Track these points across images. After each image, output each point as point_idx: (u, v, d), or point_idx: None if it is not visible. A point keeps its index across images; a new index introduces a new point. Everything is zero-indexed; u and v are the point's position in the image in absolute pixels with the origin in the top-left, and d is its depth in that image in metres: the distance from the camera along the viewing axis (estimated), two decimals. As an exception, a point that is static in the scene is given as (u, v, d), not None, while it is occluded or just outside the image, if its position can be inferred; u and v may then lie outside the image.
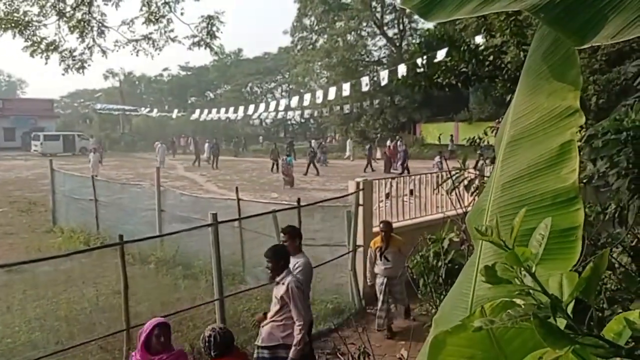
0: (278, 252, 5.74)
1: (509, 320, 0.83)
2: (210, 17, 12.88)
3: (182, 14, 12.59)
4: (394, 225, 10.28)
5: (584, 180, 4.97)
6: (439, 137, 39.58)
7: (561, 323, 0.82)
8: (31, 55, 11.96)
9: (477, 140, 7.85)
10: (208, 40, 12.87)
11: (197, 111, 49.05)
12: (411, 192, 11.36)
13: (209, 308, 7.43)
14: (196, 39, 12.92)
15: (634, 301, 3.86)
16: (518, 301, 0.89)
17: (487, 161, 7.51)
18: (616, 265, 4.33)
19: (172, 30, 12.80)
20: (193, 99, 74.34)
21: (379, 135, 43.42)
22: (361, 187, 9.18)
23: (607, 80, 14.25)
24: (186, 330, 7.23)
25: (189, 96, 74.60)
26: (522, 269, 0.87)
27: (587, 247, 4.11)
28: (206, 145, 41.52)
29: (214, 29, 12.85)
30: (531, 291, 0.85)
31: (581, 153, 6.13)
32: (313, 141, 43.03)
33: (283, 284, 5.46)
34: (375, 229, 9.78)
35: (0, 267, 7.56)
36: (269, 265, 5.62)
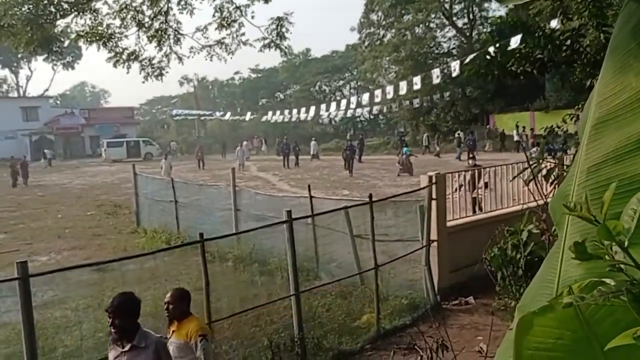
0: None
1: (600, 297, 0.81)
2: (279, 19, 13.11)
3: (252, 17, 12.89)
4: (468, 219, 10.07)
5: None
6: (516, 127, 38.17)
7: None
8: (114, 65, 12.65)
9: (555, 129, 7.54)
10: (278, 42, 13.10)
11: (270, 113, 49.97)
12: (486, 184, 11.07)
13: (285, 303, 7.58)
14: (266, 41, 13.20)
15: None
16: (607, 281, 0.86)
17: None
18: None
19: (243, 34, 13.14)
20: (264, 100, 75.78)
21: (450, 128, 42.56)
22: (434, 180, 9.04)
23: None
24: (264, 325, 7.41)
25: (260, 98, 76.09)
26: (614, 244, 0.84)
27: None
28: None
29: (283, 30, 13.08)
30: (623, 267, 0.82)
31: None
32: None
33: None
34: (450, 223, 9.62)
35: (90, 265, 8.07)
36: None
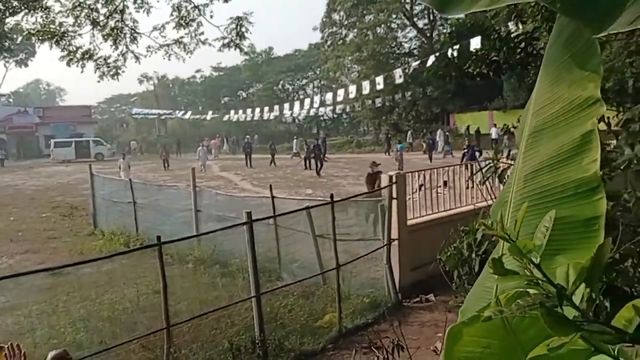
0: None
1: (517, 310, 0.84)
2: (239, 18, 13.03)
3: (211, 16, 12.77)
4: (429, 217, 10.21)
5: (622, 166, 4.85)
6: (478, 127, 38.85)
7: (570, 312, 0.82)
8: (68, 64, 12.33)
9: (511, 129, 7.72)
10: (237, 41, 13.02)
11: (232, 112, 49.57)
12: (445, 183, 11.24)
13: (246, 305, 7.53)
14: (226, 41, 13.10)
15: (678, 290, 3.75)
16: (532, 291, 0.89)
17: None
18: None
19: (202, 33, 13.03)
20: (226, 99, 75.15)
21: (411, 127, 43.11)
22: (394, 180, 9.13)
23: (644, 61, 13.75)
24: (225, 328, 7.34)
25: (222, 96, 75.44)
26: (529, 261, 0.87)
27: (626, 232, 4.01)
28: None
29: (243, 29, 13.00)
30: (539, 282, 0.85)
31: (619, 137, 5.97)
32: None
33: None
34: (411, 222, 9.74)
35: (44, 270, 7.84)
36: None
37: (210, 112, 54.49)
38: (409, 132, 41.82)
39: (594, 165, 1.25)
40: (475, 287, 1.49)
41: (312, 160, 29.84)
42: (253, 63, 71.00)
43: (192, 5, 12.35)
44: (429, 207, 10.59)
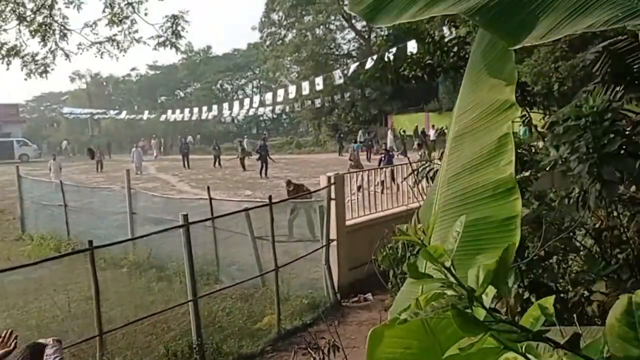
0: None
1: (432, 312, 0.87)
2: (174, 17, 12.78)
3: (145, 14, 12.46)
4: (366, 217, 10.37)
5: (548, 167, 5.09)
6: (424, 128, 39.60)
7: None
8: (-9, 61, 11.71)
9: (446, 130, 7.92)
10: (173, 40, 12.77)
11: (169, 111, 48.52)
12: (382, 183, 11.46)
13: (183, 309, 7.40)
14: (161, 39, 12.81)
15: (595, 282, 3.98)
16: (450, 293, 0.93)
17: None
18: (580, 248, 4.46)
19: (136, 31, 12.68)
20: (163, 98, 73.43)
21: (350, 128, 43.58)
22: (332, 181, 9.22)
23: (571, 66, 14.50)
24: (161, 333, 7.18)
25: (159, 96, 73.66)
26: (440, 265, 0.90)
27: (552, 230, 4.22)
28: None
29: (179, 28, 12.77)
30: (452, 284, 0.89)
31: (545, 139, 6.25)
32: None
33: None
34: (349, 222, 9.86)
35: (-34, 278, 7.40)
36: None
37: (146, 112, 53.13)
38: (360, 132, 41.68)
39: (509, 167, 1.31)
40: (404, 288, 1.54)
41: (258, 162, 28.91)
42: (191, 62, 69.76)
43: (126, 2, 12.00)
44: (367, 207, 10.77)
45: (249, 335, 7.64)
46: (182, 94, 74.33)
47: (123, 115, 56.01)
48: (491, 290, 0.90)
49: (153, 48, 13.04)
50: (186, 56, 68.02)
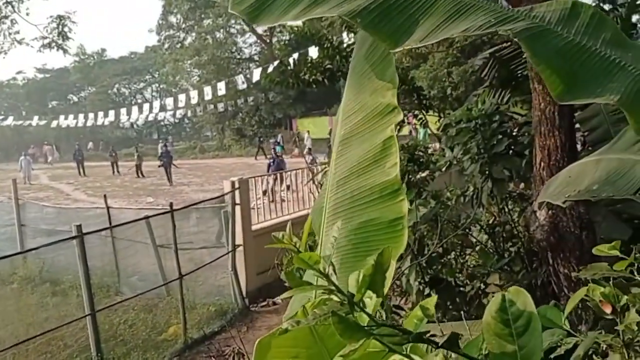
0: None
1: (313, 320, 0.88)
2: (60, 17, 12.07)
3: (27, 14, 11.70)
4: (273, 221, 10.35)
5: (444, 167, 5.35)
6: (330, 131, 39.83)
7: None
8: None
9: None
10: (60, 42, 12.05)
11: (62, 117, 45.69)
12: (288, 187, 11.51)
13: (81, 324, 7.01)
14: (46, 41, 12.06)
15: (490, 275, 4.23)
16: (335, 298, 0.94)
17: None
18: (475, 243, 4.72)
19: (17, 32, 11.85)
20: (54, 103, 69.05)
21: (255, 132, 43.36)
22: (237, 185, 9.13)
23: (463, 71, 15.39)
24: (56, 351, 6.77)
25: (50, 100, 69.18)
26: (317, 271, 0.92)
27: (449, 228, 4.43)
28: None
29: (65, 29, 12.08)
30: (332, 290, 0.90)
31: (440, 140, 6.55)
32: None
33: None
34: (256, 226, 9.79)
35: None
36: None
37: (36, 118, 49.55)
38: (280, 135, 40.75)
39: (394, 169, 1.36)
40: (296, 294, 1.54)
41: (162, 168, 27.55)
42: (84, 65, 66.23)
43: (4, 1, 11.19)
44: (274, 211, 10.77)
45: (154, 347, 7.40)
46: (75, 99, 70.28)
47: (9, 121, 51.95)
48: (374, 296, 0.92)
49: (37, 50, 12.28)
50: (78, 59, 64.54)
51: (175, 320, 8.06)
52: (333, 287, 0.90)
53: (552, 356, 1.08)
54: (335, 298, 0.91)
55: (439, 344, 0.90)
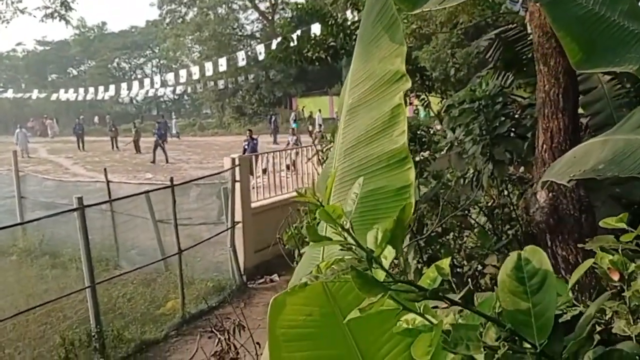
0: None
1: (331, 275, 0.89)
2: (62, -13, 11.95)
3: (31, -18, 11.55)
4: (272, 199, 10.37)
5: (446, 148, 5.35)
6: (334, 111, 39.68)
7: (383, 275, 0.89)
8: None
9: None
10: (63, 12, 11.94)
11: (61, 90, 45.44)
12: (287, 167, 11.51)
13: (80, 297, 7.06)
14: (49, 11, 11.94)
15: (488, 256, 4.26)
16: (349, 256, 0.95)
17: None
18: (474, 225, 4.74)
19: (20, 1, 11.71)
20: (54, 76, 68.61)
21: (255, 110, 43.22)
22: (237, 162, 9.12)
23: (467, 53, 15.25)
24: (56, 322, 6.83)
25: (49, 73, 68.74)
26: (339, 225, 0.93)
27: (449, 209, 4.45)
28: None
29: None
30: (352, 247, 0.92)
31: (442, 122, 6.54)
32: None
33: None
34: (255, 204, 9.81)
35: None
36: None
37: (35, 91, 49.27)
38: (293, 114, 40.43)
39: (402, 137, 1.36)
40: (303, 261, 1.56)
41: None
42: (84, 38, 65.63)
43: (8, -32, 11.08)
44: (273, 189, 10.79)
45: (152, 320, 7.46)
46: (75, 72, 69.82)
47: (9, 93, 51.65)
48: (390, 254, 0.93)
49: (40, 20, 12.16)
50: (79, 32, 63.97)
51: (173, 295, 8.12)
52: (354, 242, 0.91)
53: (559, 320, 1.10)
54: (350, 256, 0.92)
55: (454, 301, 0.92)
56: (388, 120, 1.40)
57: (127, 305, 7.71)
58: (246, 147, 17.29)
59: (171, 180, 8.26)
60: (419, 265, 4.22)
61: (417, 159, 4.93)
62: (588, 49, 1.10)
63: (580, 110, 4.47)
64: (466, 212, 4.54)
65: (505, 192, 4.62)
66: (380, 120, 1.41)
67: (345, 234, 0.92)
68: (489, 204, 4.65)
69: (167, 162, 25.37)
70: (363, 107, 1.49)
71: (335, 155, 1.52)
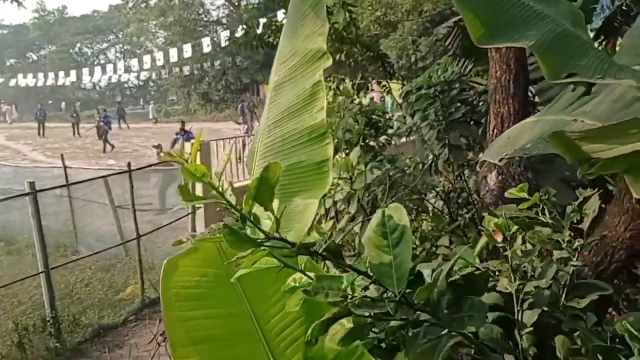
0: None
1: (208, 234, 0.94)
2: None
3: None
4: (239, 184, 10.33)
5: (405, 134, 5.43)
6: None
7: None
8: None
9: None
10: (15, -7, 11.57)
11: (20, 75, 44.14)
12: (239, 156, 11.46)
13: (35, 283, 6.95)
14: (2, -9, 11.56)
15: (440, 237, 4.36)
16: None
17: None
18: (431, 209, 4.84)
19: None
20: (12, 61, 66.51)
21: (222, 97, 42.79)
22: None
23: (431, 42, 15.42)
24: (9, 308, 6.73)
25: (7, 58, 66.63)
26: (210, 184, 0.97)
27: (406, 194, 4.53)
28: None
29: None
30: (228, 206, 0.97)
31: (401, 108, 6.62)
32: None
33: None
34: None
35: None
36: None
37: (-8, 75, 47.89)
38: (243, 102, 39.87)
39: (321, 113, 1.41)
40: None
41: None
42: (44, 22, 63.76)
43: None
44: (235, 175, 10.76)
45: (111, 305, 7.42)
46: (34, 57, 67.79)
47: (-37, 78, 49.96)
48: (270, 216, 0.98)
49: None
50: (38, 15, 62.13)
51: (133, 280, 8.07)
52: (225, 201, 0.96)
53: (450, 280, 1.16)
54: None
55: (323, 255, 0.97)
56: (309, 96, 1.43)
57: (85, 291, 7.64)
58: (176, 139, 15.72)
59: (128, 165, 8.18)
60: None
61: (372, 143, 5.00)
62: (490, 26, 1.15)
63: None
64: (423, 195, 4.63)
65: (462, 177, 4.73)
66: (302, 97, 1.45)
67: (217, 193, 0.96)
68: (446, 189, 4.75)
69: (104, 151, 24.49)
70: (287, 85, 1.53)
71: (260, 130, 1.56)
